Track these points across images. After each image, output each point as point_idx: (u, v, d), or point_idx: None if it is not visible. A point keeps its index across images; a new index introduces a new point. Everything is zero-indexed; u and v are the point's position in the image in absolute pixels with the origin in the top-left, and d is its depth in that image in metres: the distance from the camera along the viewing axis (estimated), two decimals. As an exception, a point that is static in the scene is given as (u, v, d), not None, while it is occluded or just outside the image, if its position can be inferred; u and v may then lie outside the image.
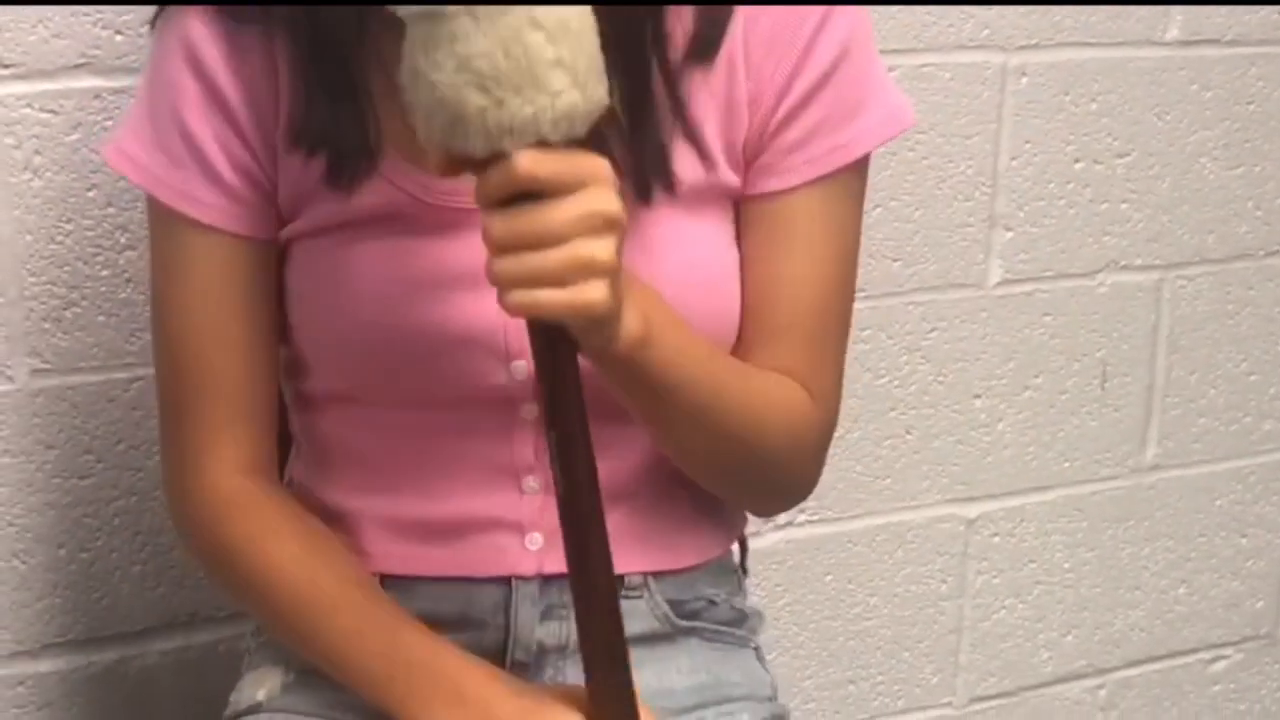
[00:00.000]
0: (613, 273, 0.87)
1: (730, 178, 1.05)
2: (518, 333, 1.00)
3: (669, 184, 1.01)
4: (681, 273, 1.02)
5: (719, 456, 1.05)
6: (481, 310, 0.99)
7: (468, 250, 0.98)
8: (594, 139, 0.87)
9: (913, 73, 1.59)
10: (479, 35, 0.82)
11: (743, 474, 1.08)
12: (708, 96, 1.03)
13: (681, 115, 1.01)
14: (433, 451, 1.06)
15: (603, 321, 0.89)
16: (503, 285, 0.87)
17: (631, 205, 0.94)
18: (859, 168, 1.06)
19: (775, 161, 1.04)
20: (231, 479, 1.07)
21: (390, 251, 1.02)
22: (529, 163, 0.84)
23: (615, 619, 0.94)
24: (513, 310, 0.87)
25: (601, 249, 0.86)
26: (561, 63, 0.83)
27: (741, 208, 1.06)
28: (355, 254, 1.03)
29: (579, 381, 0.90)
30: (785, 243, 1.05)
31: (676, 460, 1.07)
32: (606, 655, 0.95)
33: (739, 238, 1.06)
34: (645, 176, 1.00)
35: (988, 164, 1.66)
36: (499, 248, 0.86)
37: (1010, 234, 1.69)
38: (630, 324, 0.92)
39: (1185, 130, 1.75)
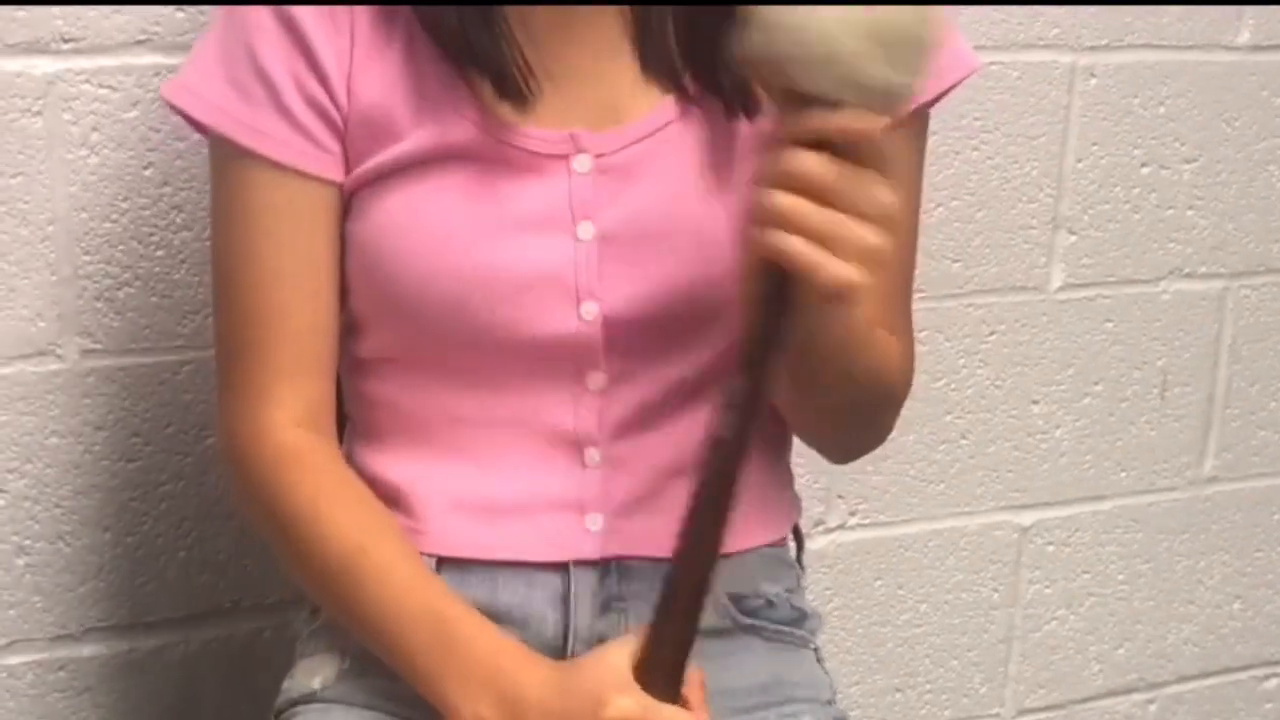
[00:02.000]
0: (875, 270, 0.88)
1: None
2: (588, 273, 1.01)
3: (749, 106, 1.01)
4: None
5: (840, 402, 1.05)
6: (553, 251, 0.99)
7: (541, 194, 1.00)
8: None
9: (980, 71, 1.55)
10: None
11: (848, 419, 1.08)
12: None
13: None
14: (493, 417, 1.05)
15: (840, 303, 0.90)
16: (779, 222, 0.86)
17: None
18: (922, 120, 1.07)
19: None
20: (292, 431, 1.05)
21: (463, 192, 1.01)
22: (884, 128, 0.86)
23: (713, 564, 0.93)
24: (767, 249, 0.87)
25: (878, 239, 0.87)
26: (928, 53, 0.87)
27: None
28: (426, 194, 1.02)
29: (784, 343, 0.90)
30: None
31: (798, 406, 1.06)
32: (687, 595, 0.93)
33: None
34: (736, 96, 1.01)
35: (1053, 166, 1.63)
36: (791, 183, 0.86)
37: (1074, 238, 1.67)
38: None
39: (1254, 137, 1.72)
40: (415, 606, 1.00)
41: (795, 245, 0.86)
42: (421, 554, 1.06)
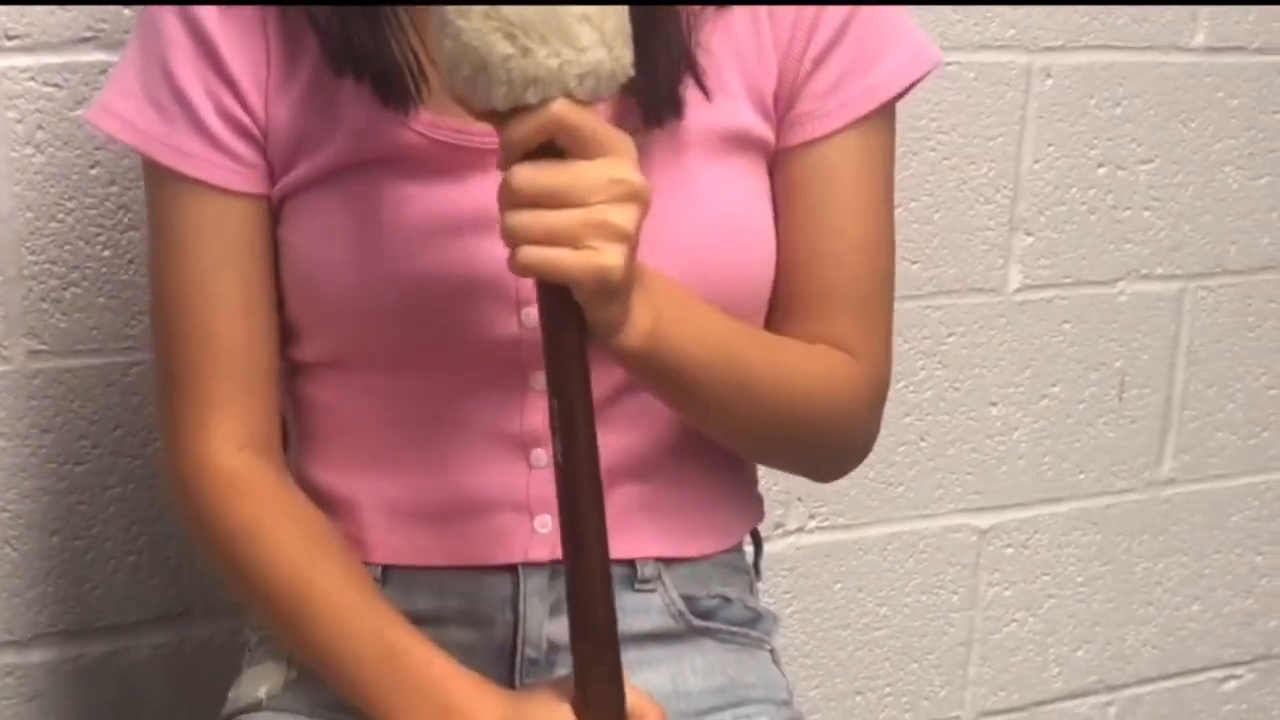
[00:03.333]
0: (631, 243, 0.87)
1: (760, 127, 1.03)
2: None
3: (678, 109, 0.99)
4: (712, 221, 1.00)
5: (758, 435, 1.03)
6: (491, 254, 0.97)
7: (477, 192, 0.98)
8: None
9: (936, 71, 1.55)
10: None
11: (787, 448, 1.07)
12: (727, 38, 1.01)
13: (690, 45, 0.99)
14: (436, 420, 1.04)
15: (613, 292, 0.88)
16: (517, 240, 0.86)
17: (651, 141, 0.95)
18: (889, 115, 1.06)
19: (811, 108, 1.03)
20: (232, 457, 1.04)
21: (396, 195, 1.00)
22: (564, 109, 0.84)
23: (607, 597, 0.92)
24: (523, 268, 0.86)
25: (624, 216, 0.86)
26: (589, 19, 0.83)
27: (781, 164, 1.04)
28: (359, 198, 1.00)
29: (584, 353, 0.90)
30: (828, 192, 1.03)
31: (719, 440, 1.05)
32: (594, 634, 0.93)
33: (779, 198, 1.05)
34: (654, 100, 0.98)
35: (1010, 167, 1.63)
36: (518, 200, 0.86)
37: (1030, 239, 1.66)
38: (639, 317, 0.91)
39: (1210, 138, 1.72)
40: (362, 636, 1.00)
41: (533, 255, 0.86)
42: (367, 563, 1.06)
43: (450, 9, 0.84)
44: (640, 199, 0.87)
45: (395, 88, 0.98)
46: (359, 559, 1.05)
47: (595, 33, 0.84)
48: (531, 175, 0.86)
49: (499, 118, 0.86)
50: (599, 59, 0.84)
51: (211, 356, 1.03)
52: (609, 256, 0.86)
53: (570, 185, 0.85)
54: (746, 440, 1.05)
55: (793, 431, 1.03)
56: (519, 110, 0.85)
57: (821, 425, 1.05)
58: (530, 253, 0.86)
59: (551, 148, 0.86)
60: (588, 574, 0.92)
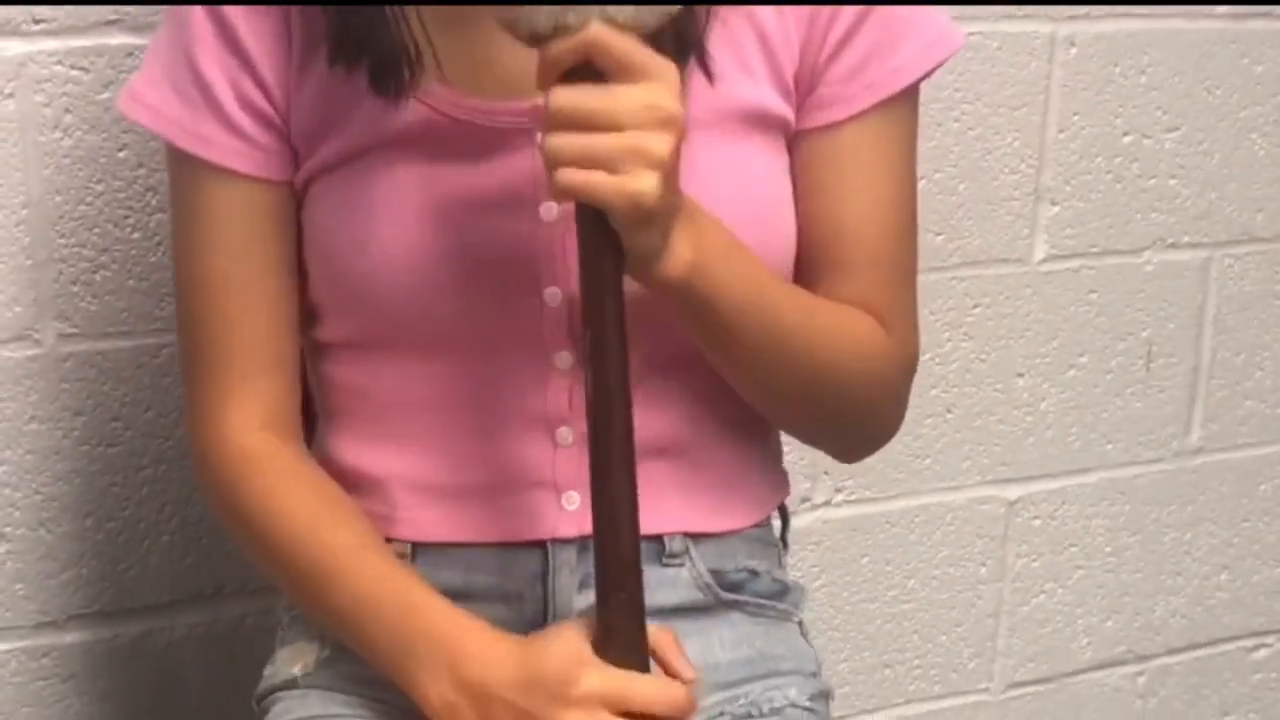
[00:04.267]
0: (667, 170, 0.87)
1: (780, 107, 1.03)
2: (550, 258, 1.00)
3: (703, 59, 0.99)
4: (732, 198, 1.00)
5: (786, 389, 1.03)
6: (515, 233, 0.98)
7: (500, 171, 0.99)
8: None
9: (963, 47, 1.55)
10: None
11: (817, 411, 1.06)
12: (748, 18, 1.01)
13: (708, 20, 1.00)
14: (460, 401, 1.04)
15: (648, 218, 0.89)
16: (554, 162, 0.87)
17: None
18: (912, 97, 1.06)
19: (834, 91, 1.03)
20: (252, 434, 1.05)
21: (419, 175, 1.00)
22: (601, 32, 0.86)
23: (632, 520, 0.93)
24: (560, 190, 0.88)
25: (659, 142, 0.87)
26: None
27: (803, 146, 1.04)
28: (381, 180, 1.01)
29: (619, 281, 0.91)
30: (850, 175, 1.03)
31: (751, 399, 1.05)
32: (616, 557, 0.93)
33: (800, 179, 1.04)
34: (683, 47, 0.98)
35: (1035, 137, 1.63)
36: (556, 122, 0.87)
37: (1056, 209, 1.66)
38: (680, 247, 0.92)
39: (1236, 105, 1.71)
40: (377, 593, 1.00)
41: (569, 178, 0.87)
42: (395, 540, 1.06)
43: None
44: (676, 126, 0.87)
45: (388, 76, 0.98)
46: (378, 530, 1.06)
47: None
48: (569, 96, 0.87)
49: (541, 41, 0.87)
50: None
51: (232, 338, 1.04)
52: (643, 182, 0.86)
53: (605, 109, 0.86)
54: (774, 396, 1.05)
55: (822, 391, 1.03)
56: (560, 31, 0.86)
57: (852, 389, 1.05)
58: (566, 175, 0.87)
59: (593, 72, 0.87)
60: (613, 496, 0.92)
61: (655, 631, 0.96)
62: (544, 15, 0.86)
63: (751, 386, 1.05)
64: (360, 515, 1.05)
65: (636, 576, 0.94)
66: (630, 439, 0.93)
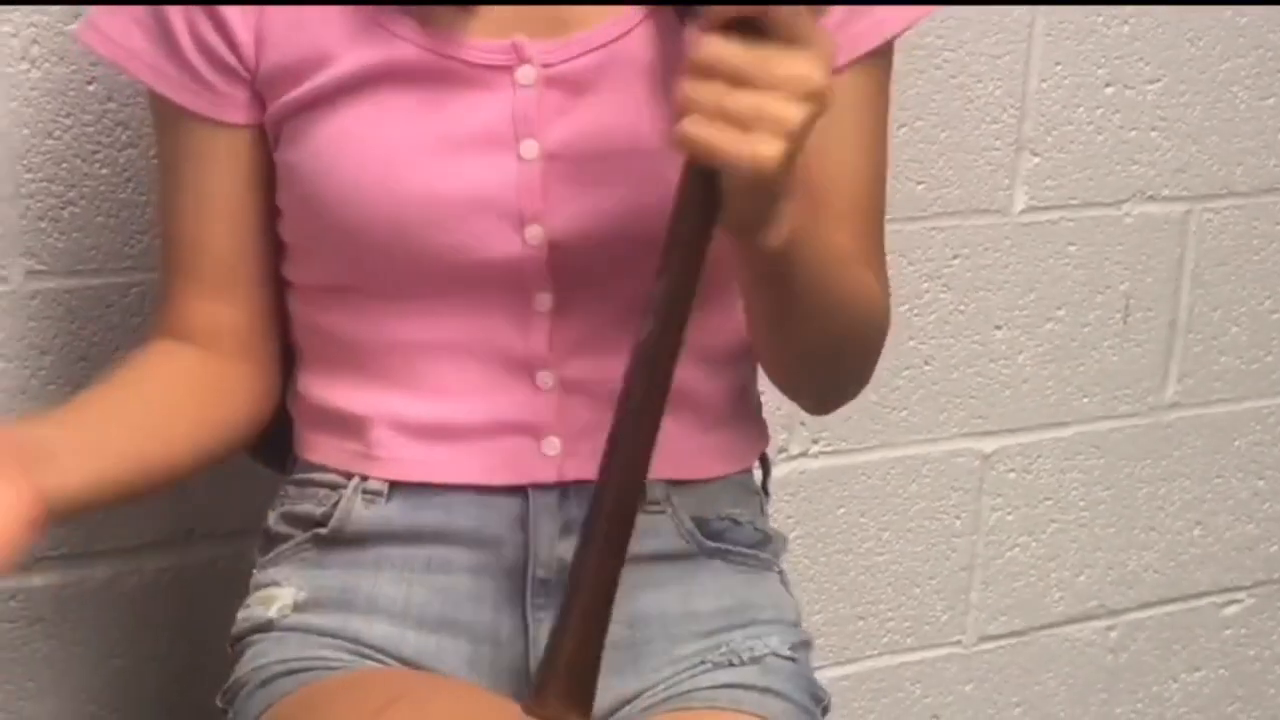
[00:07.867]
0: (795, 142, 0.85)
1: None
2: (531, 196, 0.98)
3: None
4: None
5: (820, 351, 1.04)
6: (494, 173, 0.97)
7: (483, 110, 0.97)
8: None
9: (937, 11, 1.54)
10: None
11: (837, 368, 1.07)
12: None
13: None
14: (439, 341, 1.03)
15: (763, 186, 0.87)
16: (687, 109, 0.85)
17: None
18: (888, 52, 1.05)
19: None
20: (171, 338, 1.08)
21: (400, 112, 0.99)
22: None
23: (637, 490, 0.91)
24: (681, 139, 0.85)
25: (799, 112, 0.85)
26: None
27: None
28: (360, 118, 0.99)
29: (705, 248, 0.89)
30: (838, 127, 1.01)
31: (777, 357, 1.05)
32: (611, 517, 0.91)
33: None
34: None
35: (1016, 86, 1.61)
36: (700, 70, 0.85)
37: (1037, 159, 1.65)
38: (783, 221, 0.91)
39: (1218, 57, 1.70)
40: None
41: (700, 128, 0.85)
42: (375, 479, 1.06)
43: None
44: (819, 102, 0.85)
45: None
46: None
47: None
48: (721, 47, 0.85)
49: None
50: None
51: (196, 258, 1.07)
52: (770, 148, 0.84)
53: (754, 68, 0.84)
54: (805, 357, 1.04)
55: (850, 348, 1.05)
56: None
57: (868, 343, 1.07)
58: (696, 125, 0.85)
59: (753, 28, 0.85)
60: (635, 449, 0.90)
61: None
62: None
63: (786, 347, 1.04)
64: (162, 430, 1.06)
65: (627, 527, 0.92)
66: (665, 399, 0.91)
